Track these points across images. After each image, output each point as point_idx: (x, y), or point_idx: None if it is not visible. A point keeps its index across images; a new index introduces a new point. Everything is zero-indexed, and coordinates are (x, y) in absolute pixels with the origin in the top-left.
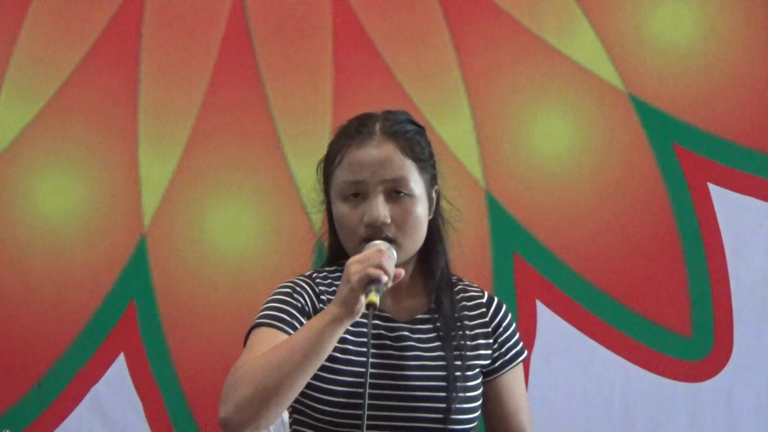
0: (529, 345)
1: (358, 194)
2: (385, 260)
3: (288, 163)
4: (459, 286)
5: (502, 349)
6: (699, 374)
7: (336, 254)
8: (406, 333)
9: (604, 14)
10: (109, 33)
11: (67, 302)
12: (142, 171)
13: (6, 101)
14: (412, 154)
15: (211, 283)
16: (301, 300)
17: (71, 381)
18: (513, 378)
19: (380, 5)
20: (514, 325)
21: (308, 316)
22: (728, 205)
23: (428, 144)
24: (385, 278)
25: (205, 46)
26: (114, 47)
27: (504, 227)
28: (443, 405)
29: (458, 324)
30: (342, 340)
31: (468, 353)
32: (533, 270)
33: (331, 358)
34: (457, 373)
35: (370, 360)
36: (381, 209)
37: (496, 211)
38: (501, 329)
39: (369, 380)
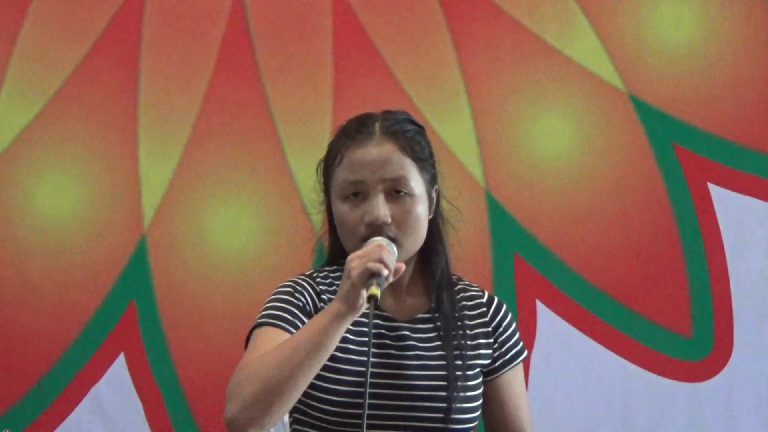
0: (529, 345)
1: (358, 194)
2: (385, 254)
3: (288, 163)
4: (459, 286)
5: (503, 349)
6: (699, 374)
7: (336, 254)
8: (407, 332)
9: (604, 14)
10: (109, 33)
11: (67, 302)
12: (142, 171)
13: (6, 101)
14: (411, 153)
15: (211, 283)
16: (303, 299)
17: (71, 381)
18: (513, 378)
19: (380, 5)
20: (514, 324)
21: (309, 315)
22: (728, 205)
23: (428, 144)
24: (385, 272)
25: (205, 46)
26: (114, 47)
27: (504, 227)
28: (444, 404)
29: (459, 323)
30: (342, 340)
31: (468, 353)
32: (533, 270)
33: (331, 358)
34: (458, 373)
35: (371, 360)
36: (381, 208)
37: (496, 211)
38: (501, 329)
39: (370, 380)
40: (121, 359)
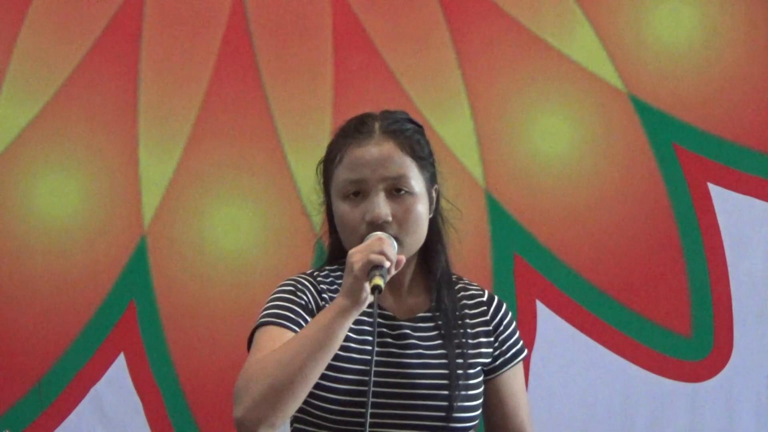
0: (529, 345)
1: (358, 193)
2: (386, 246)
3: (288, 163)
4: (459, 285)
5: (503, 348)
6: (699, 374)
7: (336, 254)
8: (408, 331)
9: (604, 14)
10: (109, 33)
11: (67, 302)
12: (142, 171)
13: (6, 101)
14: (411, 152)
15: (211, 283)
16: (305, 297)
17: (71, 381)
18: (513, 376)
19: (380, 5)
20: (514, 323)
21: (312, 314)
22: (728, 205)
23: (427, 142)
24: (387, 263)
25: (205, 46)
26: (114, 47)
27: (504, 227)
28: (445, 403)
29: (460, 322)
30: (343, 339)
31: (470, 351)
32: (533, 270)
33: (332, 357)
34: (459, 371)
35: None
36: (382, 207)
37: (496, 211)
38: (502, 327)
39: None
40: (121, 359)
